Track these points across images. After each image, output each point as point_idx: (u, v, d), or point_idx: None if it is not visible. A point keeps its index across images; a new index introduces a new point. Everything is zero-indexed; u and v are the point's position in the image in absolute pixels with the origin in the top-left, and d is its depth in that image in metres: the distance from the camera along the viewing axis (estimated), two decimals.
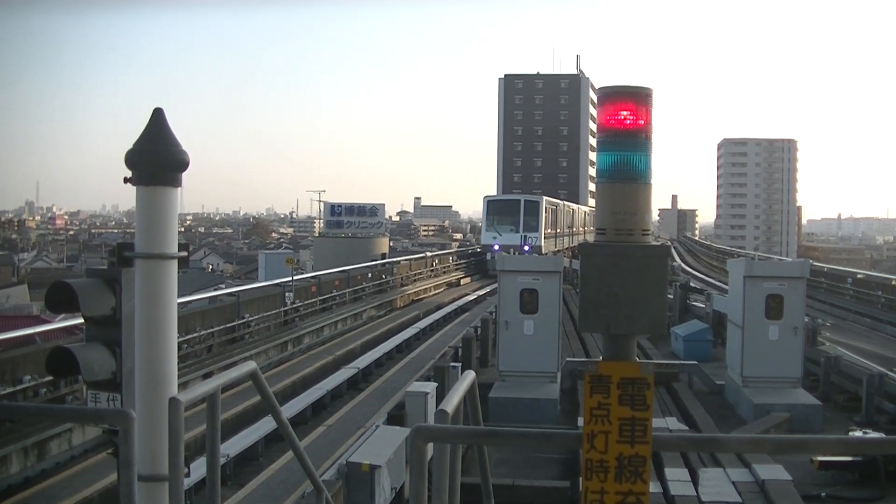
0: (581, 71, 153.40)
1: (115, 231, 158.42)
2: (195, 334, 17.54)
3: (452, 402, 4.38)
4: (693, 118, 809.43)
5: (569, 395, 16.32)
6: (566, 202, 69.27)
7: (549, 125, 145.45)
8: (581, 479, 4.04)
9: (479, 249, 56.31)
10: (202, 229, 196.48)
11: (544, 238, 52.63)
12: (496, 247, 49.25)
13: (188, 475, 5.03)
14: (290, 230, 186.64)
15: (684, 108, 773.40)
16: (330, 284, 27.92)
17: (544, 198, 55.57)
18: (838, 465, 11.35)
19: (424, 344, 23.93)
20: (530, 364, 15.92)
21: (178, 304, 5.82)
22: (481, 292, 42.08)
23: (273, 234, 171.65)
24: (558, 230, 59.30)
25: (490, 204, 54.77)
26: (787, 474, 10.85)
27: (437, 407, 4.39)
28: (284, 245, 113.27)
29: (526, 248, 49.37)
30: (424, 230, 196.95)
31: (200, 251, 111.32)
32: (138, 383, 5.06)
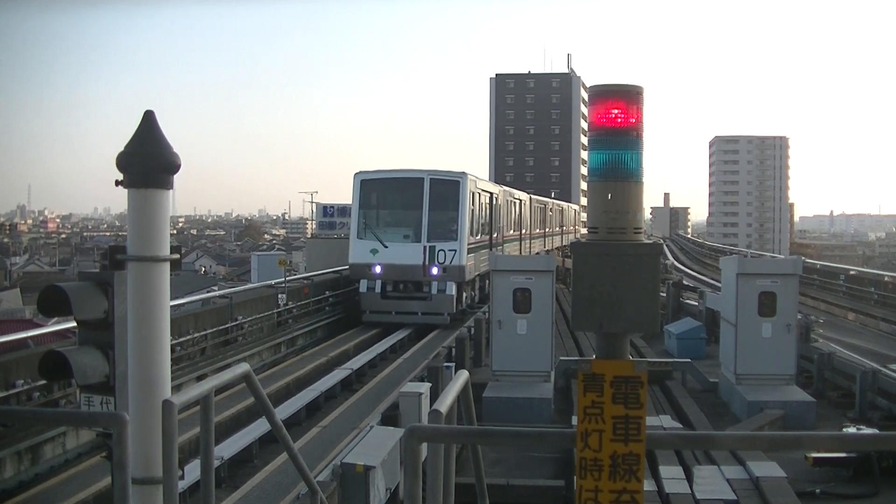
0: (572, 70, 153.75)
1: (108, 234, 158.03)
2: (188, 337, 17.50)
3: (446, 402, 4.38)
4: (684, 116, 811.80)
5: (563, 394, 16.33)
6: (511, 188, 41.57)
7: (541, 124, 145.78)
8: (575, 477, 4.05)
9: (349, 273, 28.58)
10: (194, 231, 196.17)
11: (469, 251, 27.74)
12: (377, 268, 26.72)
13: (182, 478, 5.04)
14: (283, 232, 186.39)
15: (676, 106, 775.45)
16: (323, 285, 27.88)
17: (469, 177, 28.53)
18: (832, 462, 11.38)
19: (418, 344, 23.90)
20: (524, 363, 15.93)
21: (171, 306, 5.82)
22: None
23: (265, 236, 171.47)
24: (496, 235, 33.31)
25: (366, 186, 28.32)
26: (782, 471, 10.87)
27: (430, 407, 4.39)
28: (277, 246, 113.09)
29: (434, 269, 26.61)
30: None
31: (193, 253, 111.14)
32: (132, 386, 5.06)
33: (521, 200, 41.58)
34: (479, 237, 29.81)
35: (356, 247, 27.51)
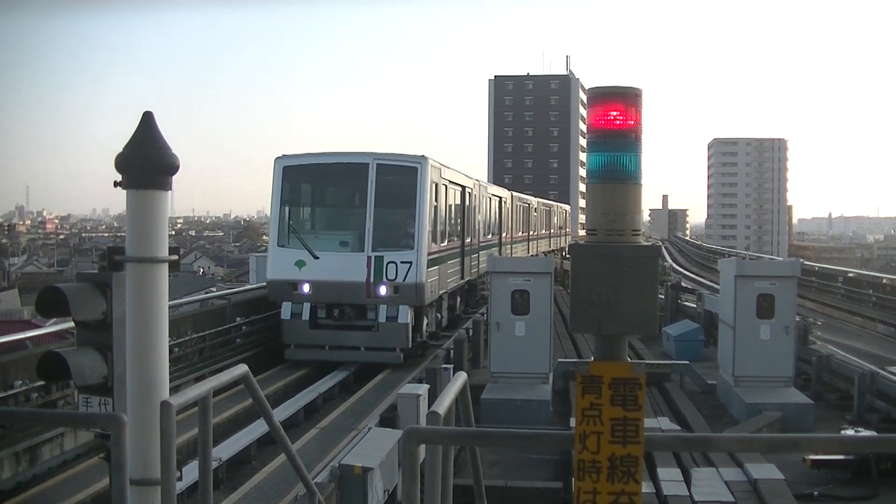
0: (571, 72, 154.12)
1: (106, 235, 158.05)
2: (186, 338, 17.48)
3: (444, 403, 4.39)
4: (683, 118, 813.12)
5: (561, 396, 16.33)
6: (489, 183, 34.87)
7: (540, 126, 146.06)
8: (574, 479, 4.04)
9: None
10: (193, 232, 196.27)
11: (430, 262, 20.54)
12: (304, 287, 19.65)
13: (180, 479, 5.05)
14: None
15: (674, 108, 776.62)
16: None
17: (430, 162, 20.93)
18: (830, 464, 11.38)
19: None
20: (522, 365, 15.93)
21: (169, 307, 5.82)
22: None
23: (264, 237, 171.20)
24: (469, 240, 26.49)
25: (290, 175, 21.11)
26: (780, 473, 10.86)
27: (429, 409, 4.40)
28: None
29: (382, 288, 19.47)
30: None
31: (191, 254, 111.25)
32: (130, 387, 5.06)
33: (500, 198, 34.67)
34: (445, 243, 22.73)
35: (276, 258, 20.46)
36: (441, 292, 22.29)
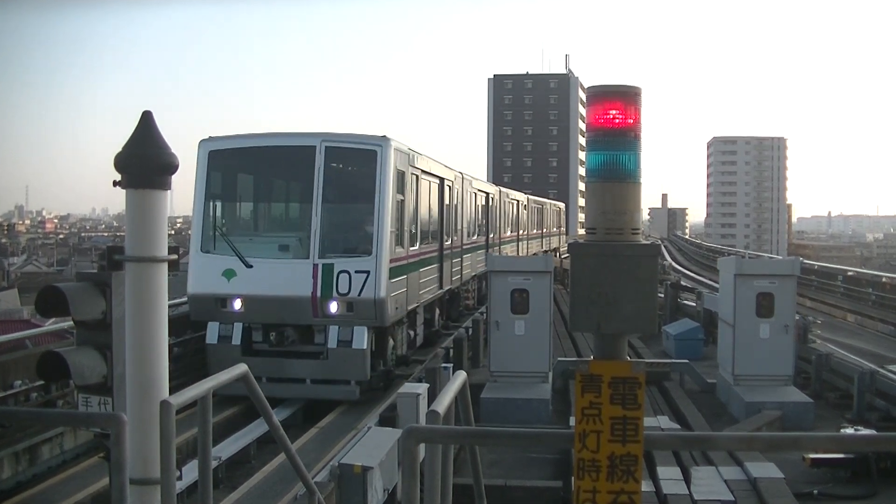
0: (570, 70, 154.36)
1: (105, 234, 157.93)
2: (185, 337, 17.46)
3: (444, 402, 4.39)
4: (683, 117, 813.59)
5: (561, 395, 16.32)
6: (473, 177, 27.99)
7: (539, 125, 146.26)
8: (573, 478, 4.05)
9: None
10: (192, 232, 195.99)
11: (395, 271, 16.36)
12: (235, 303, 15.81)
13: (180, 478, 5.05)
14: None
15: (674, 107, 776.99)
16: None
17: (393, 145, 16.30)
18: (830, 463, 11.38)
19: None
20: (522, 364, 15.92)
21: (169, 306, 5.82)
22: None
23: None
24: (449, 241, 22.54)
25: (217, 162, 16.81)
26: (779, 472, 10.86)
27: (428, 408, 4.40)
28: None
29: (332, 305, 15.48)
30: None
31: None
32: (129, 387, 5.07)
33: (488, 194, 30.40)
34: (416, 247, 18.57)
35: (199, 267, 16.46)
36: (412, 306, 18.36)
